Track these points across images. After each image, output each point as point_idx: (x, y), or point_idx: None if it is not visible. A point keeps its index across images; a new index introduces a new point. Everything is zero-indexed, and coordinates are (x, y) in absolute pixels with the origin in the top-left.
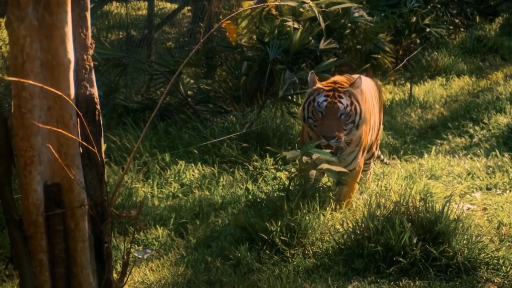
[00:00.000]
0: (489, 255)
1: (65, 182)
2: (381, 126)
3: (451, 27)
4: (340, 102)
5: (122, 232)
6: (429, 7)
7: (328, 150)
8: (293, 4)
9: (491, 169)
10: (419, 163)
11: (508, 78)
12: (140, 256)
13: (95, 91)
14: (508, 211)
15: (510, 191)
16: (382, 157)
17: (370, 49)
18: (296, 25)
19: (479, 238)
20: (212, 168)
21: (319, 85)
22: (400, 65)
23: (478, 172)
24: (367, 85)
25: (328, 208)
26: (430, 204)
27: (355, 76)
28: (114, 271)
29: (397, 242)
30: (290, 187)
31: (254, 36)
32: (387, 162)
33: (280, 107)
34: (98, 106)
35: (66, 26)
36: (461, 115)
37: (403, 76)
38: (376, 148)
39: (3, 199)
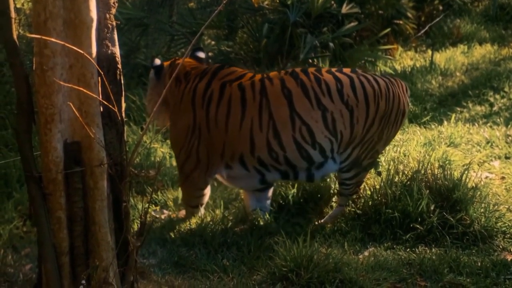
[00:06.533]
0: (506, 224)
1: (85, 141)
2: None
3: None
4: None
5: (140, 192)
6: None
7: None
8: None
9: (510, 138)
10: (439, 130)
11: None
12: (157, 216)
13: (116, 50)
14: None
15: None
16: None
17: (392, 14)
18: None
19: (496, 207)
20: None
21: None
22: (422, 31)
23: (497, 141)
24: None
25: None
26: (449, 172)
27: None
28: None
29: (414, 209)
30: None
31: None
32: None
33: None
34: (119, 66)
35: None
36: (482, 83)
37: (425, 43)
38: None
39: (23, 156)
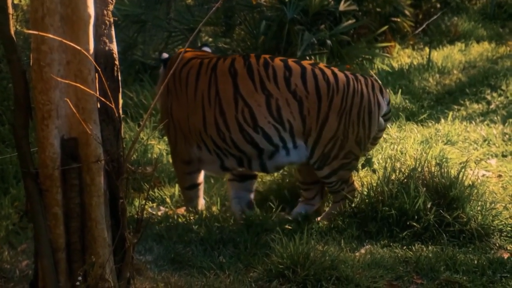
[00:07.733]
0: (503, 222)
1: (82, 137)
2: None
3: None
4: None
5: (137, 189)
6: None
7: None
8: None
9: (507, 136)
10: (436, 128)
11: None
12: (154, 213)
13: (114, 47)
14: None
15: None
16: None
17: (389, 12)
18: None
19: (493, 205)
20: None
21: None
22: (420, 29)
23: (494, 139)
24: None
25: None
26: (446, 170)
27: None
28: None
29: (411, 207)
30: None
31: None
32: None
33: None
34: (117, 62)
35: None
36: (479, 81)
37: (422, 41)
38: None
39: (20, 152)
